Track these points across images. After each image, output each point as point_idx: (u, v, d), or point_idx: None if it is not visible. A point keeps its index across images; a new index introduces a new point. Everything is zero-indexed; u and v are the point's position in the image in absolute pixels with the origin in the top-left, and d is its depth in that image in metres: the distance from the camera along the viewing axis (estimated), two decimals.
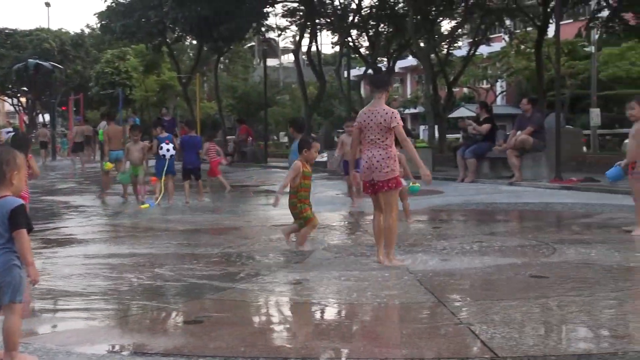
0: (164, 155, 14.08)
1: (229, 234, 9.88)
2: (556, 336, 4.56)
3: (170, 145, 14.21)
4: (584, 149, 26.63)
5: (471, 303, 5.48)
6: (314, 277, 6.69)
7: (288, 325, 5.14)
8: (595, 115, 29.68)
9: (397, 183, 7.23)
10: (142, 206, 13.56)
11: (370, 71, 32.73)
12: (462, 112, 39.89)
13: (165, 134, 14.59)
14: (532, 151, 17.26)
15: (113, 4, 35.56)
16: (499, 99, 49.46)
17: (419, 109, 45.43)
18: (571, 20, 34.25)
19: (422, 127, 41.76)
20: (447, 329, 4.68)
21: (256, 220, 11.59)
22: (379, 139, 7.16)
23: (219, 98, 40.19)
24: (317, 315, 5.39)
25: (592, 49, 33.14)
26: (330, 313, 5.44)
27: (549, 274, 6.43)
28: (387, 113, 7.17)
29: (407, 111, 53.13)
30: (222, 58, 45.16)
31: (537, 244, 8.26)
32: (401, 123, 7.23)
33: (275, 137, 50.93)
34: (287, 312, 5.56)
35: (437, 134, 28.17)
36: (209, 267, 7.21)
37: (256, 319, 5.33)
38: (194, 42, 43.14)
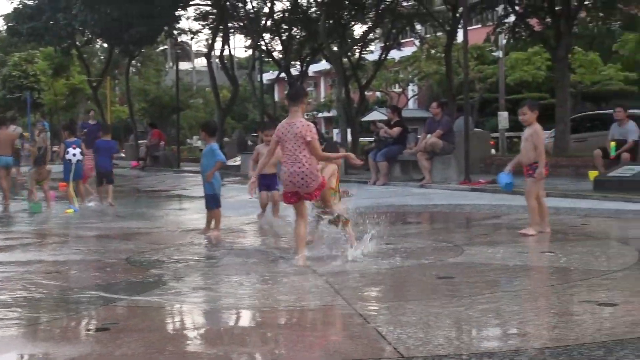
0: (69, 160, 13.96)
1: (139, 239, 9.74)
2: (461, 335, 4.65)
3: (77, 150, 14.05)
4: (493, 151, 27.23)
5: (379, 304, 5.53)
6: (224, 282, 6.65)
7: (198, 331, 5.09)
8: (503, 118, 30.35)
9: (323, 184, 7.32)
10: (67, 211, 13.39)
11: (283, 75, 32.77)
12: (374, 115, 40.30)
13: (73, 139, 14.37)
14: (441, 154, 17.57)
15: (20, 5, 34.72)
16: (410, 103, 50.18)
17: (333, 113, 45.71)
18: (479, 26, 35.05)
19: (335, 131, 41.98)
20: (354, 331, 4.71)
21: (167, 226, 11.46)
22: (297, 151, 7.21)
23: (131, 102, 39.63)
24: (227, 320, 5.36)
25: (500, 53, 33.91)
26: (240, 318, 5.42)
27: (456, 275, 6.54)
28: (303, 126, 7.22)
29: (320, 115, 53.42)
30: (133, 61, 44.55)
31: (446, 245, 8.41)
32: (316, 137, 7.29)
33: (189, 141, 50.52)
34: (197, 318, 5.51)
35: (349, 137, 28.39)
36: (118, 274, 7.10)
37: (165, 325, 5.27)
38: (105, 44, 42.44)
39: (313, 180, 7.21)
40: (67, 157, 13.99)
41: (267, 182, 10.50)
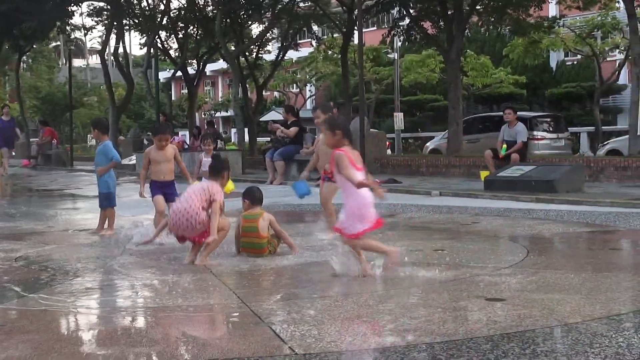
0: None
1: (30, 239, 9.45)
2: (353, 331, 4.69)
3: None
4: (389, 151, 27.66)
5: (274, 302, 5.53)
6: (117, 282, 6.54)
7: (89, 332, 4.97)
8: (399, 119, 30.88)
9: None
10: None
11: (179, 73, 32.38)
12: (273, 115, 40.31)
13: None
14: None
15: None
16: (308, 103, 50.42)
17: (230, 112, 45.52)
18: (375, 28, 35.52)
19: (233, 130, 41.82)
20: (248, 329, 4.70)
21: (59, 225, 11.17)
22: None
23: (22, 99, 38.46)
24: (120, 320, 5.26)
25: (395, 55, 34.47)
26: (133, 318, 5.32)
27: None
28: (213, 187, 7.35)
29: (218, 114, 53.12)
30: (24, 57, 43.23)
31: (340, 243, 8.45)
32: (221, 199, 7.29)
33: (85, 142, 49.40)
34: (89, 318, 5.38)
35: (247, 137, 28.32)
36: (6, 274, 6.88)
37: (55, 327, 5.13)
38: None
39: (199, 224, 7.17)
40: None
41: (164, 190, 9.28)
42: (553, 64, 41.43)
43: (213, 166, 7.66)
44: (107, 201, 9.88)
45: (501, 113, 17.61)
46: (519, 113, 17.12)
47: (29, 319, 5.18)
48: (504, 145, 15.92)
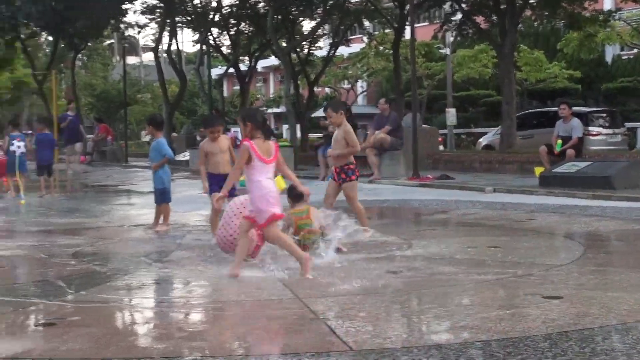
0: (14, 152, 14.45)
1: (86, 234, 9.61)
2: (409, 328, 4.68)
3: (22, 143, 14.41)
4: (441, 147, 27.47)
5: (328, 298, 5.53)
6: (173, 278, 6.61)
7: (146, 326, 5.04)
8: (451, 115, 30.65)
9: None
10: (21, 202, 13.83)
11: (231, 70, 32.56)
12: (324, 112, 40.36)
13: (17, 132, 14.84)
14: (390, 150, 17.66)
15: None
16: (360, 99, 50.38)
17: (282, 109, 45.67)
18: (427, 23, 35.26)
19: (285, 127, 41.96)
20: (303, 325, 4.71)
21: (115, 221, 11.33)
22: None
23: (77, 96, 39.08)
24: (175, 315, 5.31)
25: (447, 51, 34.20)
26: (189, 313, 5.37)
27: (404, 269, 6.59)
28: None
29: (269, 111, 53.34)
30: (79, 55, 43.93)
31: (394, 239, 8.45)
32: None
33: (139, 138, 50.01)
34: (145, 313, 5.45)
35: (299, 133, 28.38)
36: (65, 269, 6.99)
37: (112, 321, 5.21)
38: (50, 37, 41.77)
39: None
40: (12, 149, 14.48)
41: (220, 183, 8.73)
42: (609, 58, 40.71)
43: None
44: (162, 197, 9.97)
45: (556, 108, 17.36)
46: (573, 108, 16.87)
47: (87, 313, 5.26)
48: (559, 141, 15.70)
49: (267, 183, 6.44)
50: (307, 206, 7.65)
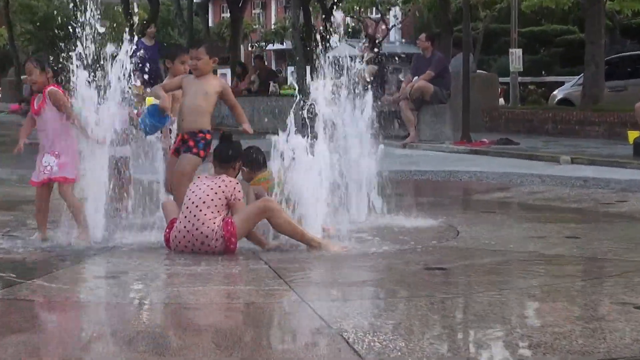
0: None
1: (24, 209, 9.65)
2: (454, 346, 4.68)
3: None
4: (501, 101, 27.37)
5: (343, 302, 5.54)
6: (134, 269, 6.65)
7: (95, 329, 5.07)
8: (516, 57, 30.43)
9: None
10: None
11: None
12: (343, 49, 40.22)
13: None
14: (432, 103, 17.60)
15: None
16: (392, 34, 50.14)
17: (287, 45, 45.54)
18: None
19: (290, 69, 41.85)
20: (313, 336, 4.74)
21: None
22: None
23: (11, 22, 39.10)
24: (143, 314, 5.36)
25: None
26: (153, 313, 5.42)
27: (448, 264, 6.60)
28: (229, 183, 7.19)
29: (270, 47, 53.20)
30: None
31: (436, 225, 8.45)
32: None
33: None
34: (98, 313, 5.49)
35: (309, 78, 28.28)
36: None
37: (53, 322, 5.25)
38: None
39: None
40: None
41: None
42: None
43: (218, 154, 7.55)
44: None
45: None
46: None
47: (19, 312, 5.30)
48: None
49: None
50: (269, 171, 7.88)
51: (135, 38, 8.92)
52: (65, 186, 7.72)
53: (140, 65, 9.55)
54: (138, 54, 10.96)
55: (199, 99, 7.95)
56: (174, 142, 8.24)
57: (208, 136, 7.90)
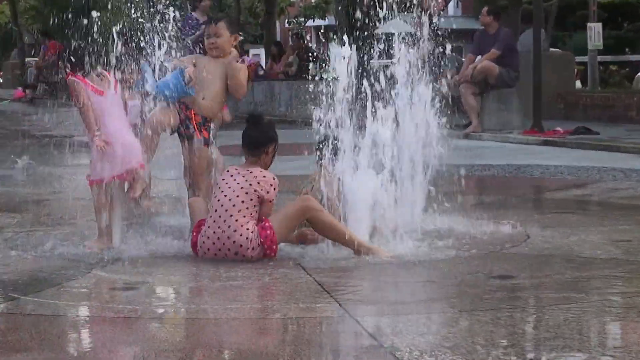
0: None
1: (27, 211, 9.72)
2: None
3: None
4: (577, 84, 27.24)
5: (399, 317, 5.54)
6: (152, 280, 6.68)
7: (110, 347, 5.10)
8: (595, 33, 30.27)
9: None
10: None
11: None
12: (395, 25, 40.24)
13: None
14: (497, 86, 17.54)
15: None
16: (451, 7, 50.07)
17: (329, 21, 45.60)
18: None
19: (332, 48, 41.94)
20: (364, 357, 4.74)
21: (70, 191, 11.41)
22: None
23: None
24: (153, 330, 5.39)
25: None
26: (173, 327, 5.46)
27: (516, 273, 6.59)
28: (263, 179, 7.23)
29: (310, 23, 53.27)
30: None
31: (502, 227, 8.42)
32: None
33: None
34: (112, 328, 5.52)
35: (354, 59, 28.30)
36: None
37: (62, 340, 5.29)
38: None
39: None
40: None
41: None
42: None
43: (248, 141, 7.54)
44: None
45: None
46: None
47: (25, 329, 5.34)
48: None
49: None
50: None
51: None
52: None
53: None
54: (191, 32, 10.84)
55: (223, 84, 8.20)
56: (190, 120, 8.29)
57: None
